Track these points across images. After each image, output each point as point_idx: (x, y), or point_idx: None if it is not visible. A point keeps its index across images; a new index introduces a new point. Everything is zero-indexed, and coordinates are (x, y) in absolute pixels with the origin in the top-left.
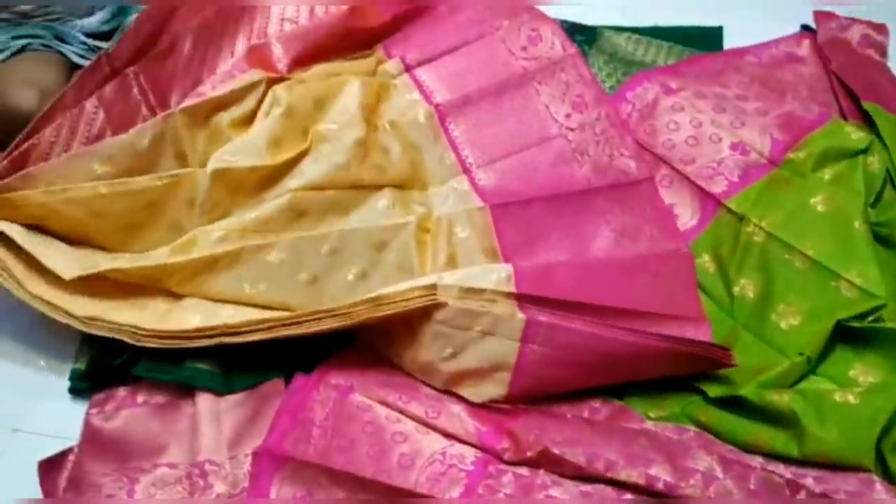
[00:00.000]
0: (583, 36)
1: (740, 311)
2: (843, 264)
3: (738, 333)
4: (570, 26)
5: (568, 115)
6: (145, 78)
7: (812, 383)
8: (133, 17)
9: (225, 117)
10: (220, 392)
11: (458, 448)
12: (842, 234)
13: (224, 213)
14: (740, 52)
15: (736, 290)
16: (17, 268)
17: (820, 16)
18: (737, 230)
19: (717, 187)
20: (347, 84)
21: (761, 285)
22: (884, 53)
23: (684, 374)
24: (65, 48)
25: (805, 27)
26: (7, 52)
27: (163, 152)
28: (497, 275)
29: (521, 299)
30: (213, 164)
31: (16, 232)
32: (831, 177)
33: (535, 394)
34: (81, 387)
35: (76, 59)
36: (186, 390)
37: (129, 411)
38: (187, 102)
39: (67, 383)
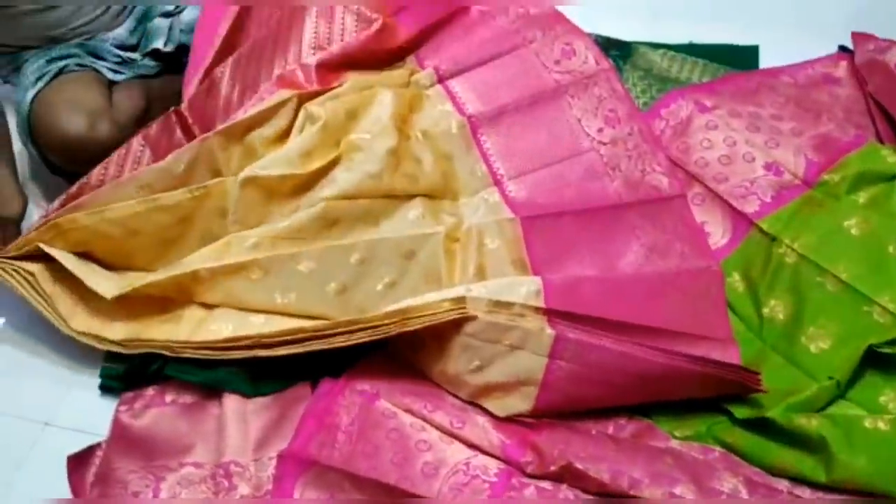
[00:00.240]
0: (618, 51)
1: (769, 332)
2: (876, 289)
3: (766, 355)
4: (604, 41)
5: (600, 130)
6: (190, 115)
7: (841, 408)
8: (156, 20)
9: (258, 136)
10: (247, 394)
11: (481, 459)
12: (875, 258)
13: (257, 221)
14: (776, 72)
15: (765, 311)
16: (64, 303)
17: (858, 37)
18: (768, 251)
19: (750, 207)
20: (379, 95)
21: (792, 307)
22: None
23: (712, 395)
24: (99, 65)
25: (843, 48)
26: (47, 77)
27: (198, 174)
28: (526, 288)
29: (551, 314)
30: (244, 174)
31: (64, 257)
32: (866, 200)
33: (560, 409)
34: (113, 385)
35: (111, 76)
36: (214, 391)
37: (158, 410)
38: (221, 125)
39: (97, 377)
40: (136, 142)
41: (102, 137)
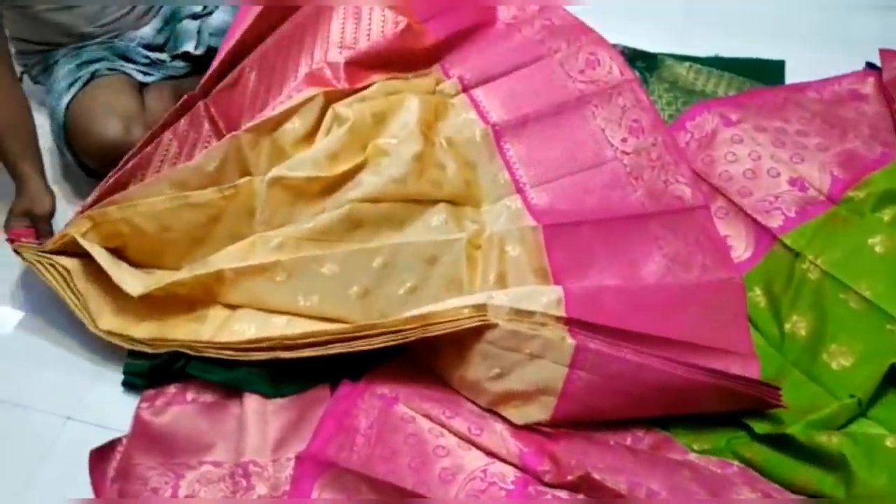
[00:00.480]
0: (644, 63)
1: (791, 348)
2: None
3: (787, 371)
4: (631, 53)
5: (624, 140)
6: (216, 110)
7: (862, 426)
8: (185, 22)
9: (286, 133)
10: (267, 395)
11: (499, 466)
12: None
13: (282, 222)
14: (802, 87)
15: (787, 326)
16: (95, 302)
17: (886, 54)
18: (791, 266)
19: (774, 222)
20: (407, 101)
21: (814, 323)
22: None
23: (731, 410)
24: (128, 67)
25: (870, 65)
26: (80, 83)
27: (229, 173)
28: (547, 297)
29: (572, 324)
30: (271, 174)
31: (96, 251)
32: (891, 218)
33: (578, 419)
34: (135, 381)
35: (141, 77)
36: (235, 391)
37: (179, 408)
38: (250, 123)
39: (120, 373)
40: (167, 136)
41: (137, 141)
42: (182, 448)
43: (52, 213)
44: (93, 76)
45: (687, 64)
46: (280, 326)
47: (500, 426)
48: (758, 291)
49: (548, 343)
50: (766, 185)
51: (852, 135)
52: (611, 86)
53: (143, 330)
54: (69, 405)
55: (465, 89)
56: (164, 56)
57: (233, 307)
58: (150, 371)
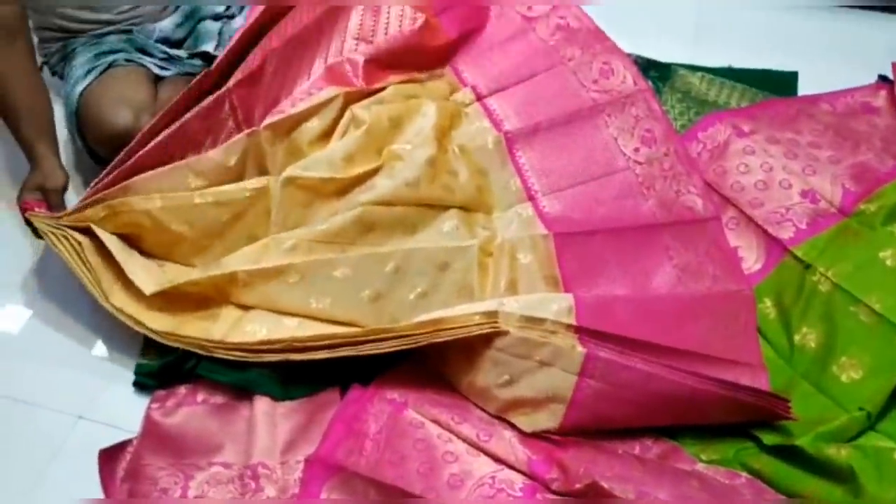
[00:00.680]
0: (657, 73)
1: (800, 360)
2: None
3: (796, 383)
4: (644, 62)
5: (636, 150)
6: (236, 96)
7: (870, 440)
8: (207, 23)
9: (304, 133)
10: (277, 397)
11: (507, 473)
12: None
13: (296, 223)
14: (814, 99)
15: (797, 338)
16: (105, 277)
17: None
18: (802, 278)
19: (785, 233)
20: (424, 106)
21: (824, 336)
22: None
23: (740, 421)
24: (146, 60)
25: (882, 77)
26: (96, 72)
27: (247, 168)
28: (558, 304)
29: (582, 332)
30: (285, 173)
31: (109, 240)
32: None
33: (587, 428)
34: (147, 382)
35: (157, 71)
36: (245, 393)
37: (189, 409)
38: (270, 119)
39: (131, 373)
40: (191, 123)
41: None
42: (192, 449)
43: (64, 188)
44: (110, 66)
45: (700, 74)
46: (291, 328)
47: (508, 433)
48: (768, 303)
49: (558, 351)
50: (778, 197)
51: (864, 147)
52: (624, 95)
53: (154, 320)
54: (81, 405)
55: (479, 98)
56: (181, 52)
57: (245, 308)
58: (160, 371)
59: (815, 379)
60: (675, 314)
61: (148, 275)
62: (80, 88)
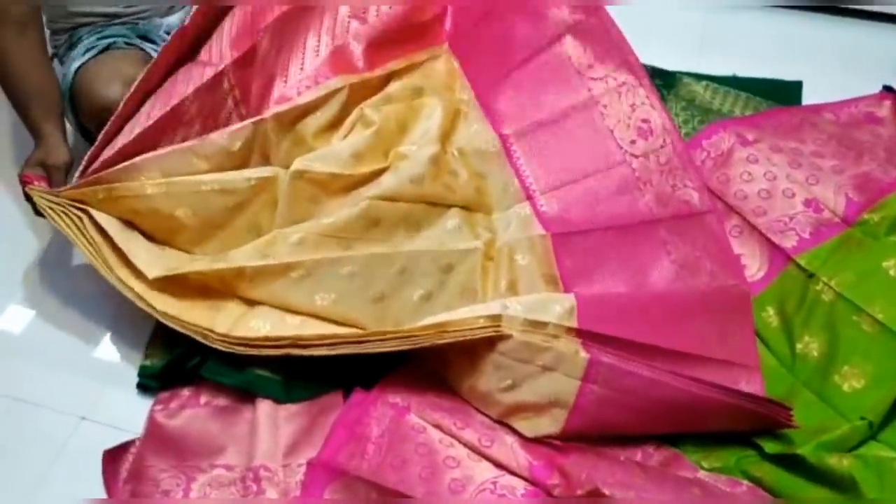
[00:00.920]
0: (661, 81)
1: (802, 368)
2: None
3: (798, 391)
4: (648, 70)
5: (633, 142)
6: (234, 76)
7: (872, 449)
8: None
9: (309, 124)
10: (280, 400)
11: (508, 479)
12: None
13: (303, 216)
14: (818, 109)
15: (799, 347)
16: (111, 255)
17: None
18: (804, 287)
19: (788, 242)
20: (428, 108)
21: (826, 345)
22: None
23: (742, 429)
24: (147, 46)
25: (887, 87)
26: (94, 51)
27: (251, 155)
28: (560, 306)
29: (584, 336)
30: (294, 166)
31: (111, 225)
32: None
33: (589, 433)
34: (150, 384)
35: (155, 56)
36: (248, 395)
37: (192, 411)
38: (276, 109)
39: (134, 375)
40: (186, 102)
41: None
42: (194, 451)
43: (67, 166)
44: (108, 47)
45: (704, 83)
46: (294, 326)
47: (510, 438)
48: (770, 311)
49: (561, 356)
50: (781, 206)
51: (868, 157)
52: (619, 83)
53: (159, 302)
54: (84, 406)
55: (479, 98)
56: None
57: (250, 303)
58: (164, 372)
59: (816, 388)
60: (674, 311)
61: (150, 255)
62: (76, 65)
